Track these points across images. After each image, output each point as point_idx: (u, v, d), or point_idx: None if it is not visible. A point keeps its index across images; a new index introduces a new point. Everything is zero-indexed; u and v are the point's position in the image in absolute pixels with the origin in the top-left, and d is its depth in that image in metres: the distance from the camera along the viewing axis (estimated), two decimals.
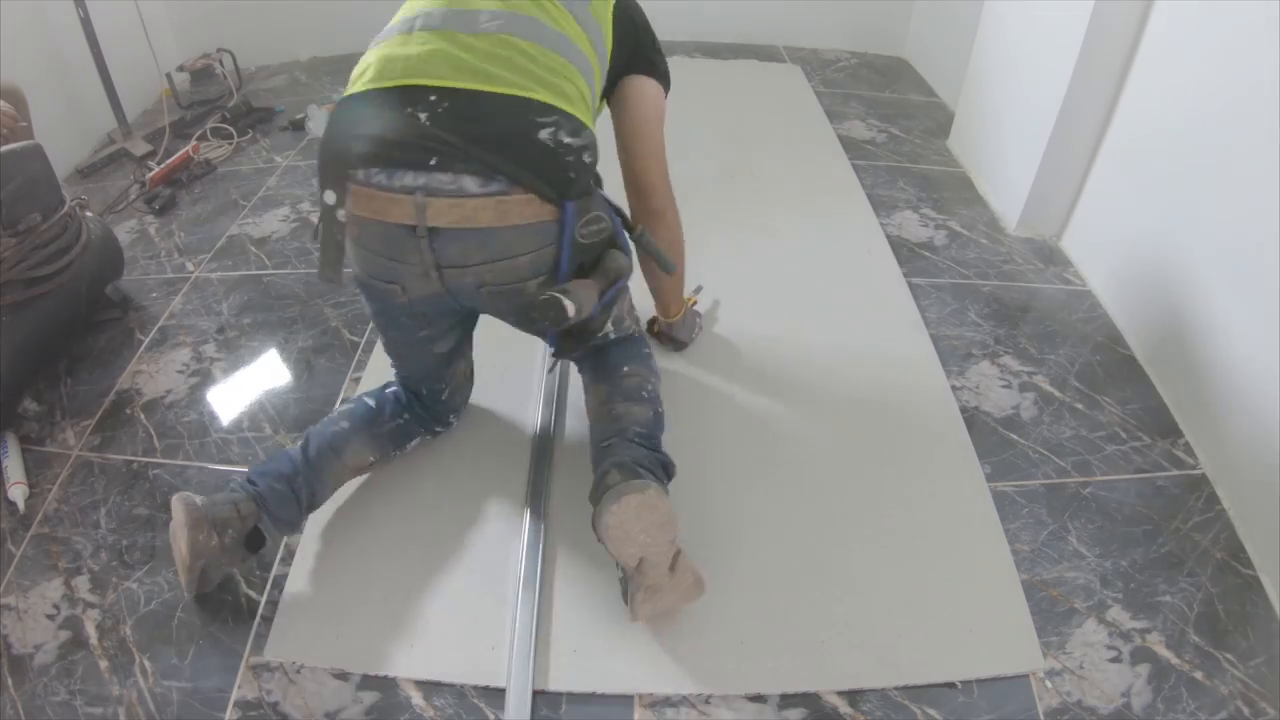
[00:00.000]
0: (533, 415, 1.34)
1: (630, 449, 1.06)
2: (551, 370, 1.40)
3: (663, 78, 1.22)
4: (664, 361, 1.43)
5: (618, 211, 1.07)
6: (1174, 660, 1.02)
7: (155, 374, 1.48)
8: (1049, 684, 0.99)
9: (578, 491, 1.20)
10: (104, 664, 1.02)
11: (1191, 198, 1.36)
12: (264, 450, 1.32)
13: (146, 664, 1.02)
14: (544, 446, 1.28)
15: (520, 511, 1.18)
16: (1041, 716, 0.96)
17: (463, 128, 0.91)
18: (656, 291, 1.38)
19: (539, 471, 1.23)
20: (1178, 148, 1.41)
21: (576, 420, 1.32)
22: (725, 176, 2.02)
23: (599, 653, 1.01)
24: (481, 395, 1.37)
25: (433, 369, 1.19)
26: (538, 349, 1.44)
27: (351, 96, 0.95)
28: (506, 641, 1.01)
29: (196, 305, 1.66)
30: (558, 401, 1.36)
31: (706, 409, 1.35)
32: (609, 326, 1.16)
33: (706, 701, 0.97)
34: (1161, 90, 1.47)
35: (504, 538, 1.14)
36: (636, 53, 1.18)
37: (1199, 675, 1.00)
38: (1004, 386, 1.43)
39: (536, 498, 1.19)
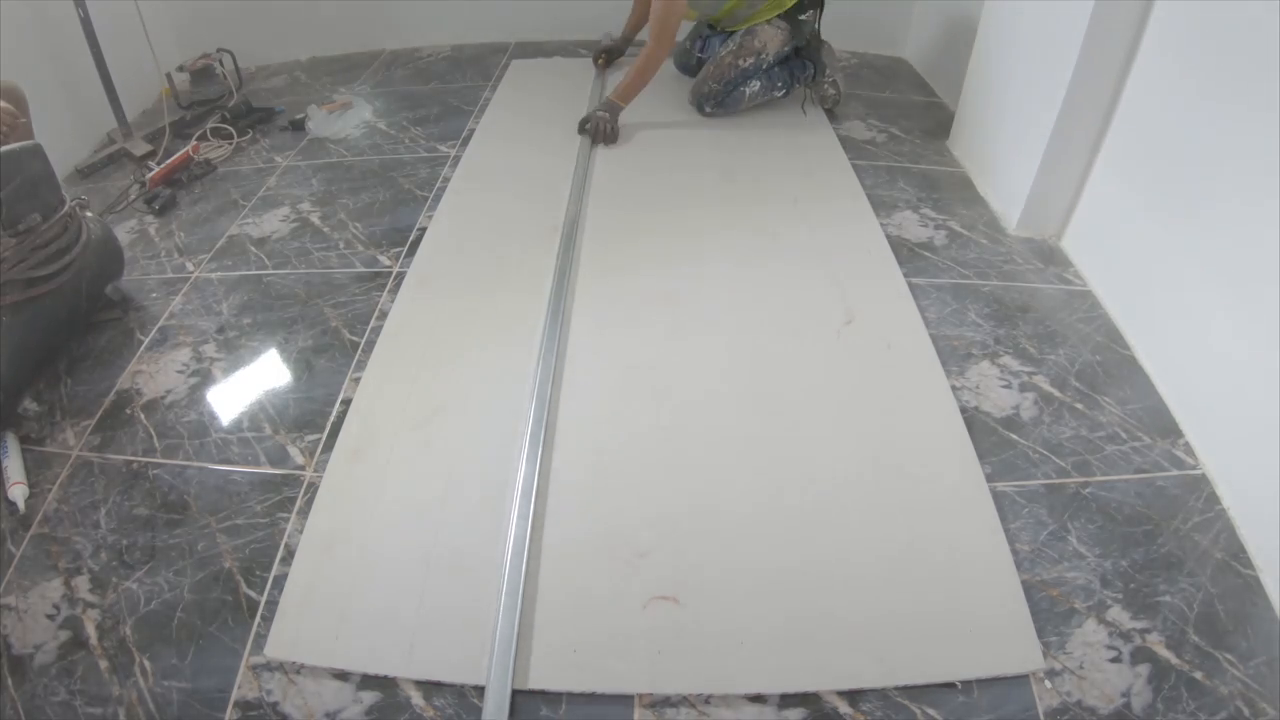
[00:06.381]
0: (526, 411, 1.34)
1: None
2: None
3: None
4: (654, 362, 1.43)
5: None
6: (1174, 660, 1.02)
7: (155, 374, 1.48)
8: (1049, 684, 0.99)
9: (574, 489, 1.21)
10: (104, 664, 1.02)
11: (1192, 197, 1.36)
12: (264, 450, 1.32)
13: (146, 664, 1.02)
14: (538, 442, 1.28)
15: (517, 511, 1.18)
16: (1041, 716, 0.96)
17: None
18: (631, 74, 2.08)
19: (531, 469, 1.22)
20: (1178, 147, 1.41)
21: (572, 415, 1.33)
22: (725, 178, 2.02)
23: (599, 652, 1.01)
24: (477, 392, 1.37)
25: None
26: (528, 344, 1.45)
27: None
28: (488, 642, 1.01)
29: (196, 305, 1.66)
30: (553, 392, 1.36)
31: (704, 409, 1.35)
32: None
33: (706, 701, 0.97)
34: (1161, 90, 1.47)
35: (502, 537, 1.14)
36: None
37: (1199, 675, 1.00)
38: (1004, 386, 1.43)
39: (527, 496, 1.18)
